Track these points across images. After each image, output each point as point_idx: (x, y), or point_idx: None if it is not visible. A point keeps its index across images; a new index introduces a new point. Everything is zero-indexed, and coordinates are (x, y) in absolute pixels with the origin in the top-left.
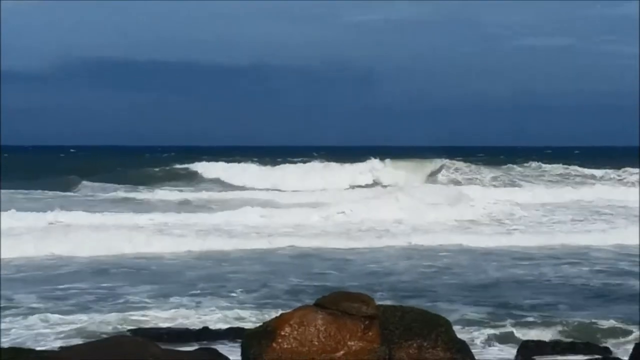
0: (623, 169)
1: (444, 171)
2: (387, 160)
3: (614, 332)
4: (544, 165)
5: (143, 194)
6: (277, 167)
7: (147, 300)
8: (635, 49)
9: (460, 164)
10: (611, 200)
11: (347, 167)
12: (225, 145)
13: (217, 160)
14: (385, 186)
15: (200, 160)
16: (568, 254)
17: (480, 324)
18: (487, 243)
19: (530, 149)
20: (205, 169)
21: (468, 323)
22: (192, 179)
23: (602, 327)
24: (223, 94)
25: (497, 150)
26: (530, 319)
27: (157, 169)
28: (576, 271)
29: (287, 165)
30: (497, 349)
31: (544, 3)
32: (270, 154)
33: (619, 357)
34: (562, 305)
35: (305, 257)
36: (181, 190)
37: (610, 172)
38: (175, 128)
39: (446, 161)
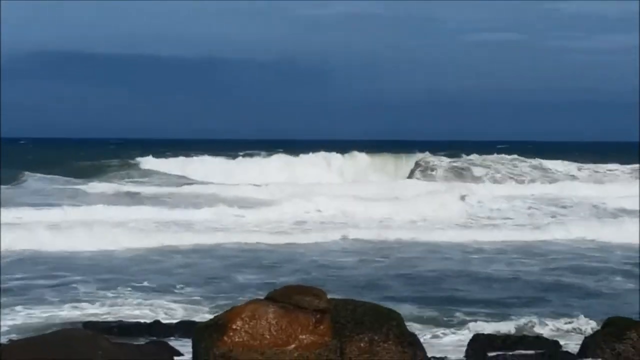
0: (579, 164)
1: (405, 166)
2: (348, 155)
3: (564, 327)
4: (502, 158)
5: (88, 187)
6: (236, 160)
7: (97, 293)
8: (586, 44)
9: (421, 158)
10: (568, 196)
11: (306, 159)
12: (174, 139)
13: (168, 153)
14: (345, 181)
15: (151, 154)
16: (520, 248)
17: (431, 318)
18: (440, 237)
19: (486, 143)
20: (156, 163)
21: (419, 317)
22: (141, 172)
23: (552, 321)
24: (175, 87)
25: (450, 145)
26: (481, 313)
27: (103, 161)
28: (528, 266)
29: (246, 159)
30: (447, 343)
31: None
32: (224, 147)
33: (569, 351)
34: (513, 300)
35: (255, 251)
36: (127, 183)
37: (569, 166)
38: (123, 120)
39: (422, 155)
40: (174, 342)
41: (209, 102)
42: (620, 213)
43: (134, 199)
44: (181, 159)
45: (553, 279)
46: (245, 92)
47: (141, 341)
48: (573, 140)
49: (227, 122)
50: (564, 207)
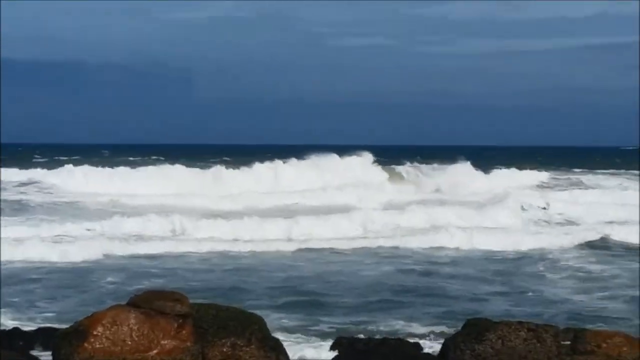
0: (432, 165)
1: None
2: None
3: (424, 329)
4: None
5: None
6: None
7: None
8: (454, 48)
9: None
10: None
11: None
12: (38, 143)
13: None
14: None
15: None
16: (377, 253)
17: (294, 322)
18: (307, 244)
19: (352, 147)
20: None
21: (282, 321)
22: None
23: (413, 324)
24: (35, 91)
25: (320, 149)
26: (344, 317)
27: None
28: (391, 270)
29: (127, 168)
30: (311, 346)
31: (366, 3)
32: (93, 153)
33: (429, 352)
34: (376, 304)
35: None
36: None
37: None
38: None
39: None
40: (33, 350)
41: (71, 105)
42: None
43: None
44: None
45: (413, 283)
46: (109, 96)
47: None
48: (447, 144)
49: (88, 126)
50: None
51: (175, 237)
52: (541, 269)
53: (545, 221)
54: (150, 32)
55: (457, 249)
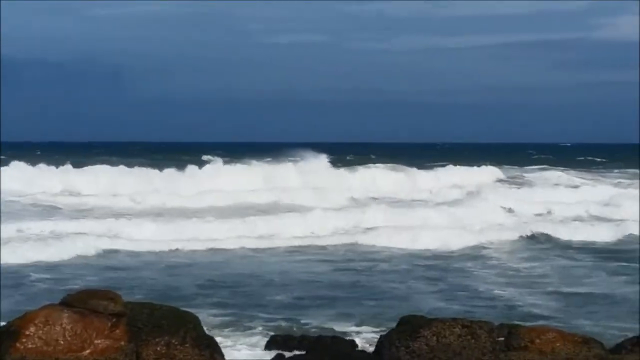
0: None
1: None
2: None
3: (359, 327)
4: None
5: None
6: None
7: None
8: (388, 45)
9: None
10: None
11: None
12: None
13: None
14: None
15: None
16: (309, 250)
17: (229, 320)
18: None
19: (290, 145)
20: None
21: (217, 320)
22: None
23: (348, 321)
24: None
25: (241, 146)
26: (279, 315)
27: None
28: (327, 269)
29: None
30: (245, 345)
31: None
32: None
33: (364, 349)
34: (311, 301)
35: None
36: None
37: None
38: None
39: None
40: None
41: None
42: None
43: None
44: None
45: (348, 280)
46: (35, 93)
47: None
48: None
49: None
50: None
51: (109, 236)
52: (472, 265)
53: (480, 218)
54: (78, 29)
55: (391, 248)
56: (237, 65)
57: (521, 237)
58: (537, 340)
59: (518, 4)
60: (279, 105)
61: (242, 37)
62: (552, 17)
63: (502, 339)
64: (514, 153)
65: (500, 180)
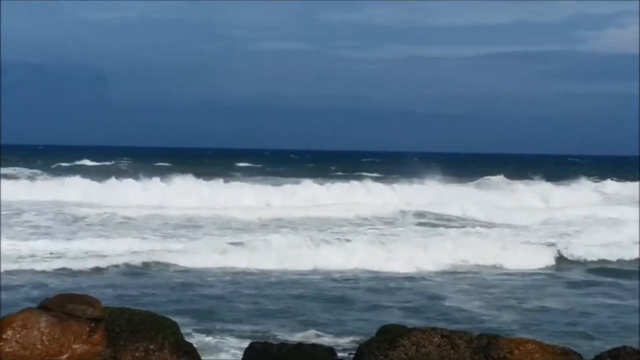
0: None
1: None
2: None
3: (337, 337)
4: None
5: None
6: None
7: None
8: (373, 54)
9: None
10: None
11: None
12: None
13: None
14: None
15: None
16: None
17: (207, 326)
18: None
19: (256, 152)
20: None
21: (198, 325)
22: None
23: (329, 330)
24: None
25: (227, 153)
26: (258, 323)
27: None
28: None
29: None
30: (224, 351)
31: (286, 7)
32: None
33: (343, 358)
34: (289, 310)
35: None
36: None
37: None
38: None
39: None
40: None
41: None
42: None
43: None
44: None
45: (330, 292)
46: (16, 96)
47: None
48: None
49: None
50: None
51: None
52: (441, 280)
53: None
54: (62, 31)
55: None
56: (222, 71)
57: None
58: (516, 351)
59: (501, 15)
60: (262, 111)
61: (227, 43)
62: (535, 28)
63: (482, 349)
64: (502, 162)
65: (478, 189)
